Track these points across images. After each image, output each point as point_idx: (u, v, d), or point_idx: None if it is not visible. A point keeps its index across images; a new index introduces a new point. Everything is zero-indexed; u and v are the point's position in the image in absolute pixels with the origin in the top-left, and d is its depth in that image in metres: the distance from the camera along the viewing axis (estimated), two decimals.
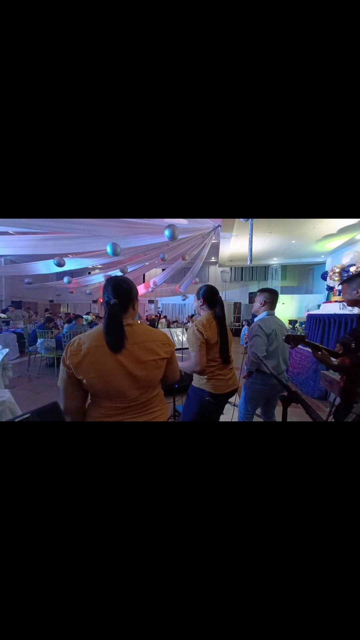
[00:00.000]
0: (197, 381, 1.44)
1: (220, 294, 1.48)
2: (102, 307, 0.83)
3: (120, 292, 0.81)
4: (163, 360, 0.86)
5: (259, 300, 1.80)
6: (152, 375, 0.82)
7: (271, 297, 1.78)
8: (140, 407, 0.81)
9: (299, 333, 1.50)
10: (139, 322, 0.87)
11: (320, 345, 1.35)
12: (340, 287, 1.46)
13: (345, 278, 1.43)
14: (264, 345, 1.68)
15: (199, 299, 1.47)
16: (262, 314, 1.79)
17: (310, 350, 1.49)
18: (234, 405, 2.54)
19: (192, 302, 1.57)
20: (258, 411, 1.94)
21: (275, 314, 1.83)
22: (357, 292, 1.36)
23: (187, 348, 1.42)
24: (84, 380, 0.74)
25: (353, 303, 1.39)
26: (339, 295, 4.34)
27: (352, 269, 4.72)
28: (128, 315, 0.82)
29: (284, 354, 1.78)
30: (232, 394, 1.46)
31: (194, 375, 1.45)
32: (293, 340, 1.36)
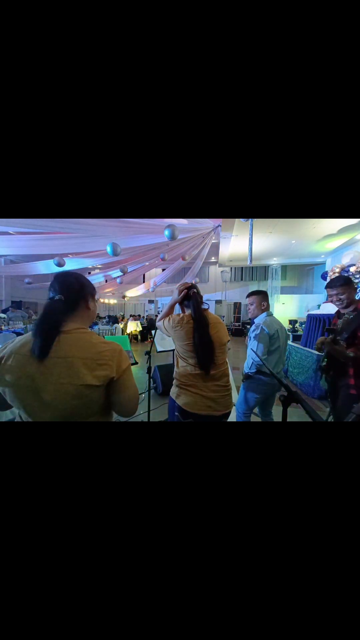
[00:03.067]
0: (173, 388, 1.20)
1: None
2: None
3: (68, 288, 0.67)
4: (90, 388, 0.60)
5: (255, 303, 1.81)
6: (71, 407, 0.60)
7: (266, 298, 1.81)
8: None
9: (299, 333, 1.52)
10: (88, 329, 0.70)
11: (338, 339, 1.38)
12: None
13: (328, 282, 1.50)
14: (266, 346, 1.69)
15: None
16: (261, 315, 1.80)
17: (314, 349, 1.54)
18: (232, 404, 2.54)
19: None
20: (255, 410, 1.95)
21: (275, 314, 1.85)
22: (338, 295, 1.44)
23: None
24: (1, 388, 0.62)
25: (339, 303, 1.46)
26: None
27: (352, 269, 4.72)
28: (75, 319, 0.67)
29: (282, 354, 1.80)
30: (213, 418, 1.10)
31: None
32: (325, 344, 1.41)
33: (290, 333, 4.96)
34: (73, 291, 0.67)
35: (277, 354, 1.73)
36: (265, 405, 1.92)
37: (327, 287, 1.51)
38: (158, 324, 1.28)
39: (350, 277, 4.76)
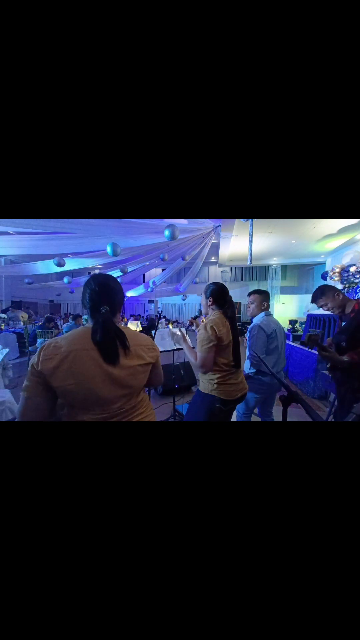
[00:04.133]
0: (206, 387, 1.34)
1: None
2: (84, 308, 0.76)
3: (111, 295, 0.75)
4: (148, 366, 0.81)
5: (255, 302, 1.82)
6: (138, 381, 0.78)
7: (265, 298, 1.81)
8: (124, 415, 0.75)
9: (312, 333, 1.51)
10: (122, 323, 0.82)
11: (326, 346, 1.37)
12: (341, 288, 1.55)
13: (311, 297, 1.53)
14: (264, 345, 1.69)
15: (207, 297, 1.38)
16: (260, 315, 1.81)
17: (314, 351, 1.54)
18: None
19: (199, 302, 1.52)
20: (255, 410, 1.95)
21: (275, 314, 1.85)
22: (324, 305, 1.46)
23: (181, 348, 1.38)
24: (59, 389, 0.65)
25: (331, 310, 1.47)
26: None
27: (352, 269, 4.72)
28: (116, 320, 0.77)
29: (282, 353, 1.80)
30: (242, 398, 1.39)
31: (202, 380, 1.37)
32: (311, 341, 1.41)
33: (290, 333, 4.96)
34: (114, 297, 0.77)
35: (276, 354, 1.74)
36: (265, 405, 1.92)
37: (312, 302, 1.54)
38: (200, 348, 1.28)
39: (350, 277, 4.77)
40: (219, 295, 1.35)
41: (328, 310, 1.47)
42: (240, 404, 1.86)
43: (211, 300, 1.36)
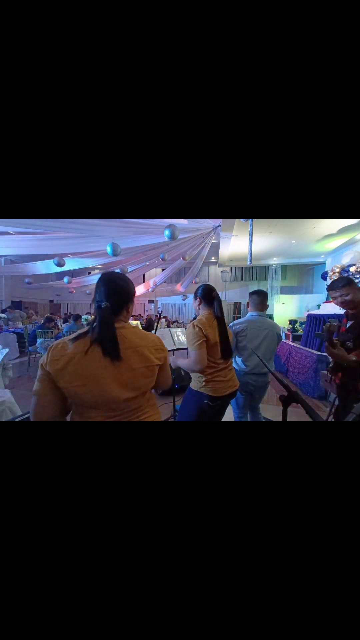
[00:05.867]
0: (196, 384, 1.40)
1: (220, 294, 1.47)
2: (92, 306, 0.75)
3: (115, 292, 0.74)
4: (156, 367, 0.78)
5: (248, 302, 1.91)
6: (144, 383, 0.75)
7: (258, 299, 1.83)
8: (130, 415, 0.74)
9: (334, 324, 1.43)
10: (131, 324, 0.80)
11: (336, 342, 1.35)
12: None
13: (330, 284, 1.48)
14: (232, 342, 1.73)
15: (196, 298, 1.45)
16: (248, 314, 1.86)
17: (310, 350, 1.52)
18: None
19: (192, 304, 1.55)
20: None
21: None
22: (342, 296, 1.42)
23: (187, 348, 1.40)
24: (66, 390, 0.66)
25: (345, 305, 1.42)
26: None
27: (352, 269, 4.72)
28: (120, 318, 0.76)
29: (266, 351, 1.79)
30: (232, 395, 1.42)
31: (193, 377, 1.42)
32: (329, 332, 1.37)
33: (290, 333, 4.95)
34: (119, 295, 0.75)
35: (246, 353, 1.77)
36: (252, 402, 1.94)
37: (329, 289, 1.49)
38: (192, 347, 1.30)
39: (350, 277, 4.77)
40: (204, 294, 1.40)
41: (341, 304, 1.44)
42: (234, 409, 1.87)
43: (199, 300, 1.42)
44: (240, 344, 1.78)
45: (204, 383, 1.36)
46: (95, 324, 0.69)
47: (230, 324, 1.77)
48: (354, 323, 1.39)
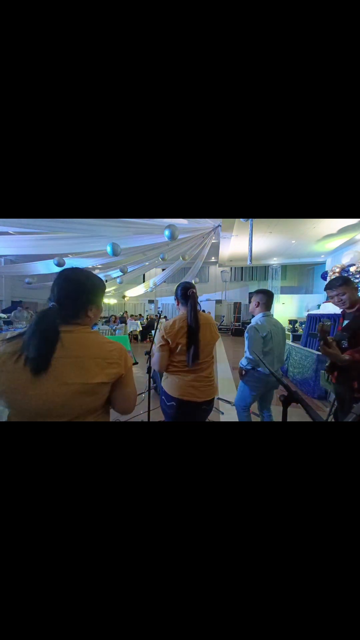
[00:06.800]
0: (164, 384, 1.30)
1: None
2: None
3: (69, 292, 0.63)
4: (101, 386, 0.62)
5: (254, 301, 1.86)
6: (79, 403, 0.60)
7: (265, 298, 1.81)
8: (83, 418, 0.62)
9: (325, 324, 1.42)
10: (91, 329, 0.68)
11: (330, 342, 1.35)
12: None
13: (327, 283, 1.49)
14: (259, 346, 1.72)
15: (175, 299, 1.34)
16: (258, 315, 1.83)
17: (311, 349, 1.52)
18: (233, 405, 2.57)
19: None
20: (256, 408, 1.99)
21: (275, 314, 1.86)
22: (339, 295, 1.43)
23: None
24: None
25: (341, 304, 1.44)
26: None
27: (352, 269, 4.72)
28: (77, 321, 0.64)
29: (279, 353, 1.82)
30: (193, 404, 1.21)
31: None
32: (323, 332, 1.36)
33: (290, 333, 4.96)
34: (75, 298, 0.63)
35: (271, 356, 1.77)
36: (263, 402, 1.95)
37: (326, 288, 1.50)
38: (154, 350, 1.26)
39: (350, 277, 4.78)
40: (181, 293, 1.28)
41: (338, 302, 1.45)
42: (239, 400, 1.88)
43: (177, 301, 1.32)
44: (266, 348, 1.74)
45: (165, 376, 1.28)
46: (29, 325, 0.60)
47: (253, 328, 1.72)
48: (350, 322, 1.40)
